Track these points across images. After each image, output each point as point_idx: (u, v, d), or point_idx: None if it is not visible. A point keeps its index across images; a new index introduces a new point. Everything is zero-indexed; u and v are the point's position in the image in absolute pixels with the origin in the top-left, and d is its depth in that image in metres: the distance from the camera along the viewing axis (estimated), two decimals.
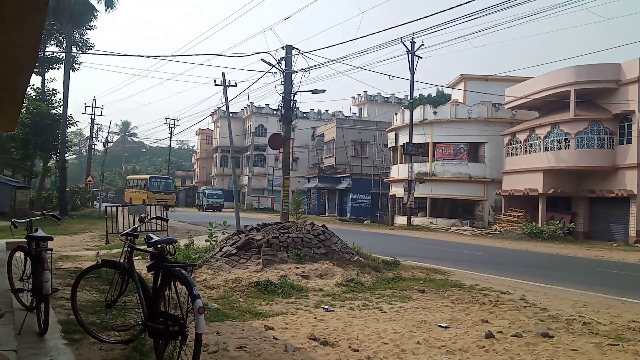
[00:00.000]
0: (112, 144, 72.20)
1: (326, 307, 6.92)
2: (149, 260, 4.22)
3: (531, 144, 29.26)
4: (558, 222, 26.47)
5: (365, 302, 7.35)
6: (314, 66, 26.57)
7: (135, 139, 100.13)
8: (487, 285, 9.38)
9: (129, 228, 4.98)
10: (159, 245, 4.11)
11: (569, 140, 26.51)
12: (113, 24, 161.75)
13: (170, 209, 43.56)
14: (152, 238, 4.17)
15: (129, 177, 59.64)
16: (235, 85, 24.19)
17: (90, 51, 36.17)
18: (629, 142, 24.65)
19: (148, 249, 4.20)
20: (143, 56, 54.81)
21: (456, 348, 5.14)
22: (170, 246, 4.20)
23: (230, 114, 25.77)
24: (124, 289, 4.56)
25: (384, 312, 6.80)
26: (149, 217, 5.60)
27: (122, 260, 4.57)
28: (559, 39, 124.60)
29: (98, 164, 64.87)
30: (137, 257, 9.26)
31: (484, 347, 5.19)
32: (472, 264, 13.37)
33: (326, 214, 48.39)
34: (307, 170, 56.48)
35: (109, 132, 56.44)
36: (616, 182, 25.01)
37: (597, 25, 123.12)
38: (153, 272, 4.13)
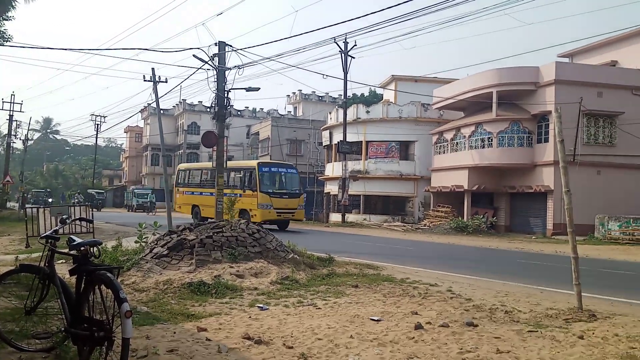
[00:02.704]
0: (32, 141, 67.81)
1: (261, 305, 6.89)
2: (72, 264, 4.04)
3: (457, 143, 30.57)
4: (482, 216, 27.82)
5: (300, 299, 7.39)
6: (248, 64, 26.15)
7: (58, 137, 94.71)
8: (417, 278, 9.69)
9: (50, 230, 4.73)
10: (82, 248, 3.94)
11: (492, 139, 27.94)
12: (34, 15, 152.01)
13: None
14: (74, 240, 3.99)
15: (182, 165, 34.49)
16: (166, 82, 23.41)
17: (8, 43, 33.65)
18: (547, 140, 26.32)
19: (70, 252, 4.01)
20: (66, 49, 51.59)
21: (387, 340, 5.29)
22: (95, 248, 4.05)
23: (161, 111, 24.94)
24: (44, 294, 4.33)
25: (319, 308, 6.87)
26: (71, 219, 5.34)
27: (42, 265, 4.35)
28: (484, 42, 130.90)
29: (17, 163, 60.74)
30: (61, 261, 8.80)
31: (414, 337, 5.38)
32: (403, 258, 13.76)
33: None
34: None
35: (28, 129, 52.81)
36: (535, 179, 26.66)
37: (519, 30, 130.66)
38: (76, 276, 3.96)
